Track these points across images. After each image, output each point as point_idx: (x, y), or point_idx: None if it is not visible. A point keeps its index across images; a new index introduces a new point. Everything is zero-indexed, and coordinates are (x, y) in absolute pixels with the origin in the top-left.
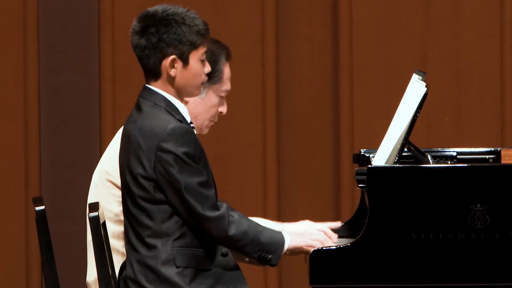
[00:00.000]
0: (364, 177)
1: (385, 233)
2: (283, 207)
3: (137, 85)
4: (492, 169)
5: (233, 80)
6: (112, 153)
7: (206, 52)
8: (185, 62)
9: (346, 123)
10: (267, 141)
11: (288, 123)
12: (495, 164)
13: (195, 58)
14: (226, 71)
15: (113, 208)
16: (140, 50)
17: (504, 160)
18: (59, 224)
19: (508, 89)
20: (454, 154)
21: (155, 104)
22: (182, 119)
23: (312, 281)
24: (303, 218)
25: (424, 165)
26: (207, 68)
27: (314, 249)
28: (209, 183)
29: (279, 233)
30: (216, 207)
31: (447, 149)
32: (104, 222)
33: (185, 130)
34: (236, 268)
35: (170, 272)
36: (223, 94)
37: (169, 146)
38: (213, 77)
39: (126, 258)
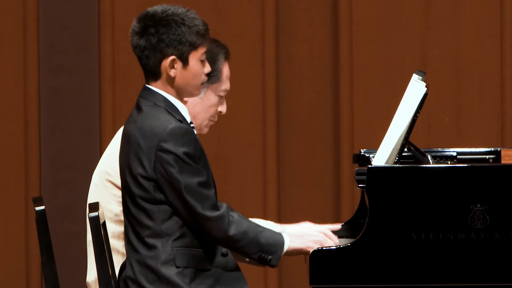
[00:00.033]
0: (364, 177)
1: (385, 233)
2: (283, 207)
3: (137, 85)
4: (492, 169)
5: (233, 80)
6: (112, 153)
7: (205, 52)
8: (185, 62)
9: (346, 123)
10: (267, 141)
11: (288, 123)
12: (495, 164)
13: (194, 58)
14: (225, 70)
15: (113, 208)
16: (139, 50)
17: (504, 160)
18: (59, 224)
19: (508, 89)
20: (454, 154)
21: (155, 104)
22: (182, 119)
23: (312, 281)
24: (303, 218)
25: (424, 165)
26: (207, 68)
27: (314, 249)
28: (209, 183)
29: (279, 234)
30: (216, 207)
31: (447, 149)
32: (104, 222)
33: (185, 130)
34: (236, 268)
35: (170, 272)
36: (222, 94)
37: (169, 146)
38: (211, 77)
39: (126, 258)
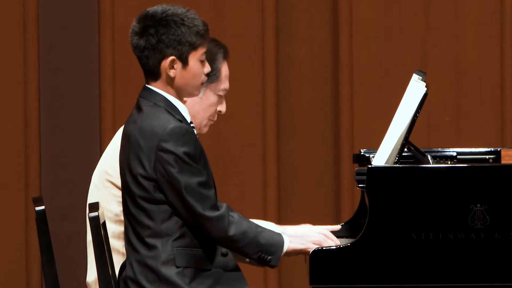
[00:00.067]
0: (364, 177)
1: (385, 233)
2: (283, 207)
3: (137, 85)
4: (492, 169)
5: (233, 80)
6: (112, 153)
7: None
8: (185, 63)
9: (346, 123)
10: (267, 141)
11: (288, 123)
12: (495, 164)
13: (194, 58)
14: (224, 69)
15: (113, 208)
16: (139, 50)
17: (504, 160)
18: (59, 224)
19: (508, 89)
20: (454, 154)
21: (155, 104)
22: (182, 119)
23: (312, 281)
24: (303, 218)
25: (424, 165)
26: (207, 69)
27: (314, 249)
28: (209, 183)
29: (279, 234)
30: (216, 207)
31: (447, 149)
32: (104, 222)
33: (185, 130)
34: (236, 268)
35: (170, 272)
36: (221, 93)
37: (169, 146)
38: (210, 76)
39: (126, 258)
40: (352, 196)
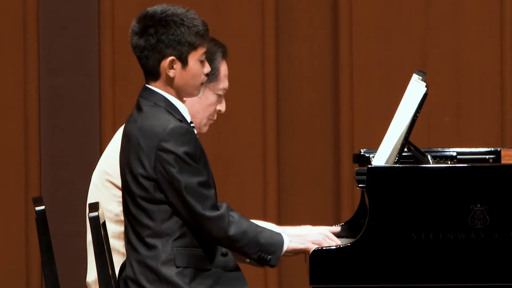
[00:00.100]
0: (364, 177)
1: (385, 233)
2: (283, 207)
3: (137, 85)
4: (492, 169)
5: (233, 80)
6: (112, 153)
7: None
8: (184, 63)
9: (346, 123)
10: (267, 141)
11: (288, 123)
12: (495, 164)
13: (194, 58)
14: (223, 69)
15: (113, 208)
16: (139, 50)
17: (504, 160)
18: (59, 224)
19: (508, 89)
20: (454, 154)
21: (155, 104)
22: (182, 119)
23: (312, 281)
24: (303, 218)
25: (424, 165)
26: (207, 69)
27: (314, 249)
28: (209, 183)
29: (279, 234)
30: (216, 207)
31: (447, 149)
32: (104, 222)
33: (185, 130)
34: (236, 268)
35: (170, 272)
36: (220, 92)
37: (169, 145)
38: (209, 75)
39: (126, 258)
40: (352, 196)
